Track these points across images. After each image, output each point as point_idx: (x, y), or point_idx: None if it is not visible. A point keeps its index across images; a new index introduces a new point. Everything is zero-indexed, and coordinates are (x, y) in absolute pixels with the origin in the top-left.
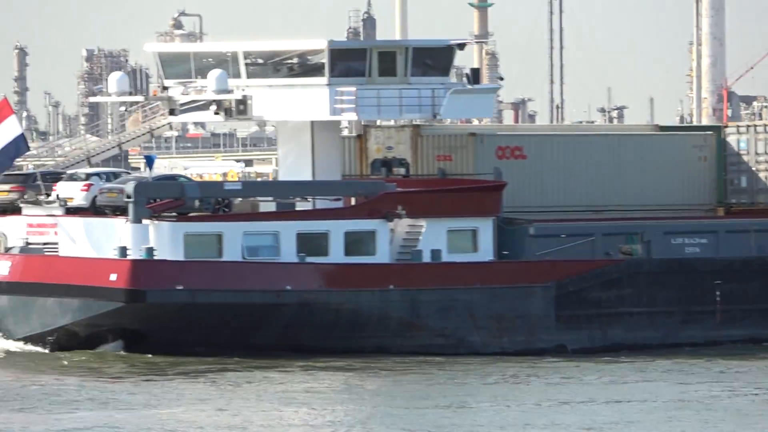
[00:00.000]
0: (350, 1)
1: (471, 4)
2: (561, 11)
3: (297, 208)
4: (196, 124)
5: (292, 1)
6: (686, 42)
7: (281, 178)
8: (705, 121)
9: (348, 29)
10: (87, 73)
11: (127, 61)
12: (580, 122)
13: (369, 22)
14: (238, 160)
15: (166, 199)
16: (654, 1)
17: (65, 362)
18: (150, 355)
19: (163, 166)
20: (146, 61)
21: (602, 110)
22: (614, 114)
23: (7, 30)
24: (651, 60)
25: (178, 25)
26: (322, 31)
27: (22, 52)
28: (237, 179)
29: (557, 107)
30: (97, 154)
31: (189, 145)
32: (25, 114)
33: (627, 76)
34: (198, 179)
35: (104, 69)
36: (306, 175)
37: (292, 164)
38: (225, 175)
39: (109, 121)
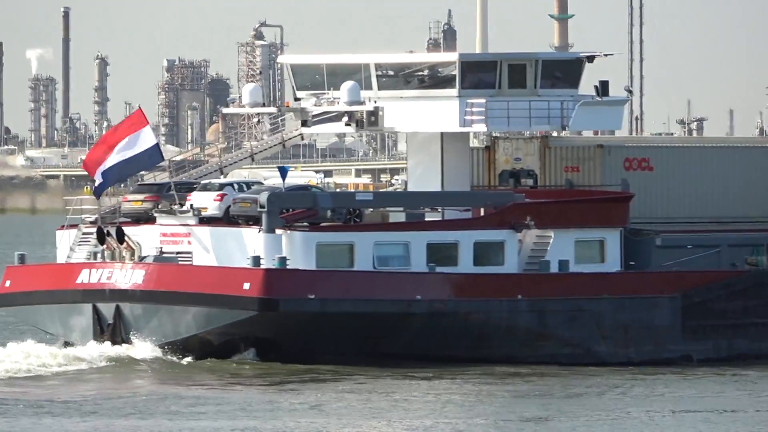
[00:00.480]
0: (430, 12)
1: (551, 16)
2: (641, 23)
3: (426, 219)
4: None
5: (371, 12)
6: (766, 54)
7: (410, 188)
8: None
9: (428, 40)
10: (167, 83)
11: (207, 71)
12: (659, 134)
13: (449, 33)
14: (317, 171)
15: (298, 209)
16: (734, 13)
17: (201, 370)
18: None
19: (243, 176)
20: (226, 71)
21: (681, 122)
22: (693, 126)
23: (89, 40)
24: (731, 72)
25: (259, 35)
26: (402, 42)
27: (103, 62)
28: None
29: (636, 119)
30: (231, 164)
31: (268, 155)
32: (105, 124)
33: (706, 88)
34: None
35: (185, 79)
36: (435, 186)
37: (421, 175)
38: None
39: (189, 131)
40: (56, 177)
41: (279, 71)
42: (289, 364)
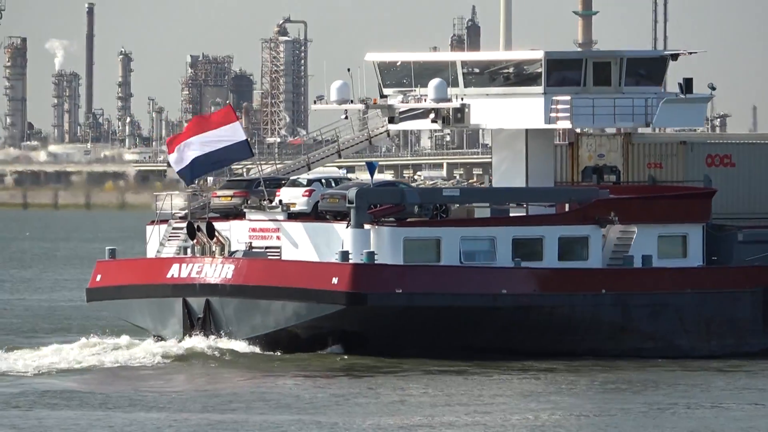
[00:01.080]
0: (454, 9)
1: (575, 13)
2: (666, 20)
3: (510, 214)
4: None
5: (394, 8)
6: None
7: (495, 184)
8: None
9: (452, 36)
10: (191, 79)
11: (230, 67)
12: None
13: (473, 29)
14: (339, 167)
15: (386, 204)
16: (757, 9)
17: (289, 364)
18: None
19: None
20: (249, 68)
21: (705, 119)
22: (717, 122)
23: (113, 36)
24: (753, 68)
25: (282, 31)
26: (425, 38)
27: (127, 58)
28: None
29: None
30: (318, 160)
31: (291, 152)
32: (128, 120)
33: (729, 85)
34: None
35: (208, 75)
36: (519, 182)
37: (506, 171)
38: None
39: None
40: (79, 173)
41: (304, 66)
42: (375, 357)
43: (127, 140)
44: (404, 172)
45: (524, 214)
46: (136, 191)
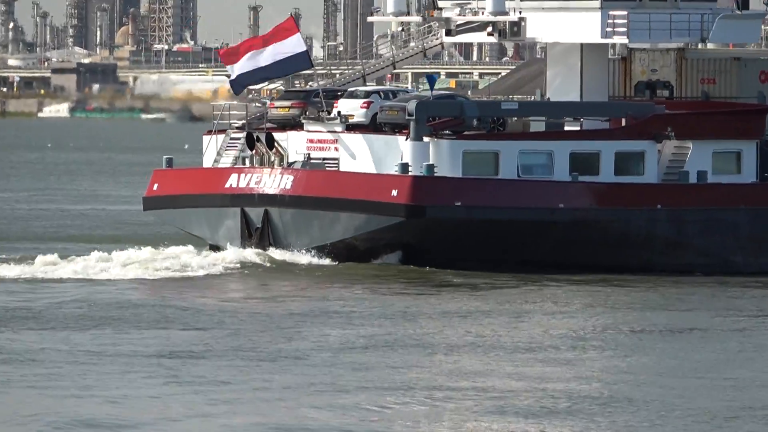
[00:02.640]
0: None
1: None
2: None
3: (565, 129)
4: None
5: None
6: None
7: (549, 99)
8: None
9: None
10: None
11: None
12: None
13: None
14: (229, 76)
15: (445, 117)
16: None
17: (346, 274)
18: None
19: (152, 81)
20: None
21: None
22: None
23: None
24: None
25: None
26: None
27: None
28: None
29: None
30: (373, 72)
31: (179, 59)
32: (12, 25)
33: None
34: (189, 95)
35: None
36: (574, 96)
37: (559, 86)
38: (216, 91)
39: (98, 33)
40: None
41: None
42: (432, 269)
43: (10, 46)
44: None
45: (578, 128)
46: (19, 98)
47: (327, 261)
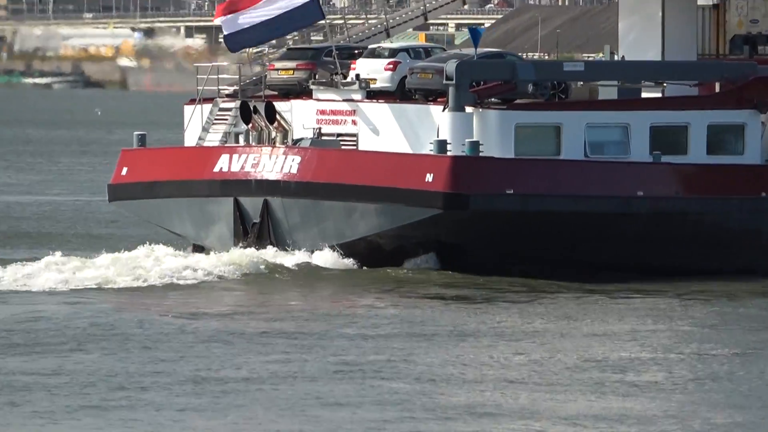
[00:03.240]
0: None
1: None
2: None
3: (642, 96)
4: None
5: None
6: None
7: (620, 57)
8: None
9: None
10: None
11: None
12: None
13: None
14: (134, 29)
15: (493, 81)
16: None
17: (369, 280)
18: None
19: (35, 36)
20: None
21: None
22: None
23: None
24: None
25: None
26: None
27: None
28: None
29: None
30: (399, 24)
31: (70, 7)
32: None
33: None
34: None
35: None
36: (653, 55)
37: (635, 41)
38: (118, 49)
39: None
40: None
41: None
42: (475, 274)
43: None
44: (220, 37)
45: (659, 95)
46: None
47: (345, 261)
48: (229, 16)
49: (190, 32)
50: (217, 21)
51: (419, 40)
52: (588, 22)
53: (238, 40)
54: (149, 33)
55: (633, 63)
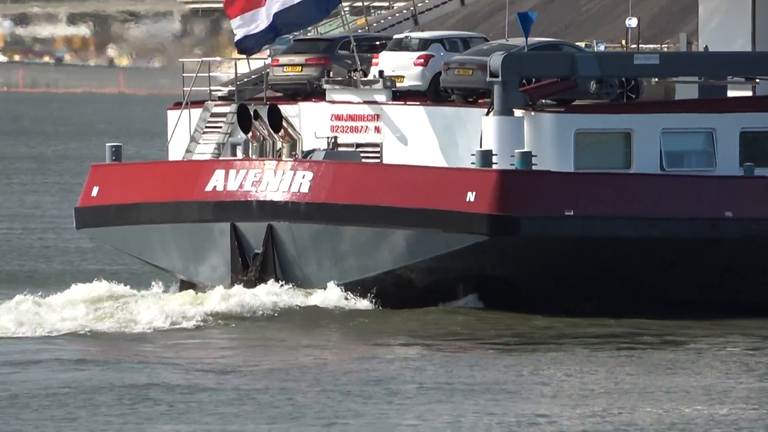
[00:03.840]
0: None
1: None
2: None
3: (728, 95)
4: None
5: None
6: None
7: (702, 48)
8: None
9: None
10: None
11: None
12: None
13: None
14: (3, 16)
15: (548, 78)
16: None
17: (398, 325)
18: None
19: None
20: None
21: None
22: None
23: None
24: None
25: None
26: None
27: None
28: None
29: None
30: (428, 9)
31: None
32: None
33: None
34: None
35: None
36: (742, 44)
37: (719, 28)
38: None
39: None
40: None
41: None
42: (529, 315)
43: None
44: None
45: (750, 94)
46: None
47: (365, 303)
48: (247, 14)
49: (73, 19)
50: (234, 23)
51: (359, 22)
52: (566, 5)
53: (248, 47)
54: (21, 20)
55: (718, 54)
